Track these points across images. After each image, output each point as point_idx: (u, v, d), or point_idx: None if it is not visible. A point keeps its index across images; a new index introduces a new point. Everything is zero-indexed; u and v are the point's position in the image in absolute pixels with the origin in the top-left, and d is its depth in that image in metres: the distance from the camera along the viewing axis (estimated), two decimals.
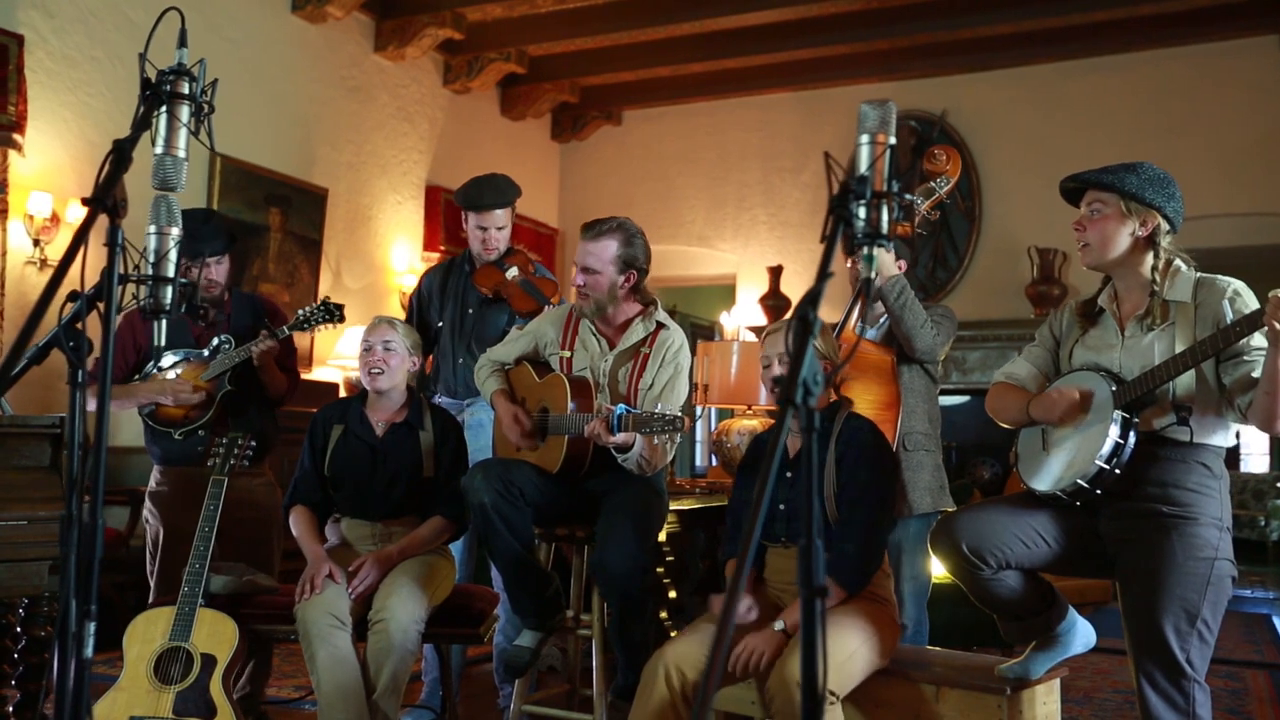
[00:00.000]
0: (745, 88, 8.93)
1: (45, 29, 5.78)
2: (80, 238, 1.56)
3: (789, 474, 2.91)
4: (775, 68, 8.60)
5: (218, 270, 3.73)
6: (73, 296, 1.78)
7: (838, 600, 2.76)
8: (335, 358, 7.21)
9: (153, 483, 3.80)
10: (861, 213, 1.53)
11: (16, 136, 5.51)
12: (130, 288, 1.89)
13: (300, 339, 7.15)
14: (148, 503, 3.80)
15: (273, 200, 7.04)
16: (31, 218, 5.57)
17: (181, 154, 1.89)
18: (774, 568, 2.94)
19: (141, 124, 1.75)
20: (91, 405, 3.69)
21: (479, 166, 4.27)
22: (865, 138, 1.57)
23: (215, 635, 3.11)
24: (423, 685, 3.96)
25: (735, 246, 9.30)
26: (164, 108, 1.84)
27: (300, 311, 3.73)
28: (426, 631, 3.19)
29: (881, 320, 3.81)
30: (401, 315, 4.61)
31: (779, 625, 2.72)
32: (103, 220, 1.72)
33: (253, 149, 6.91)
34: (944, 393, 8.59)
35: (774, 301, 8.73)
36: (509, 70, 8.44)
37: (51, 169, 5.71)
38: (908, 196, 3.71)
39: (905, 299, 3.47)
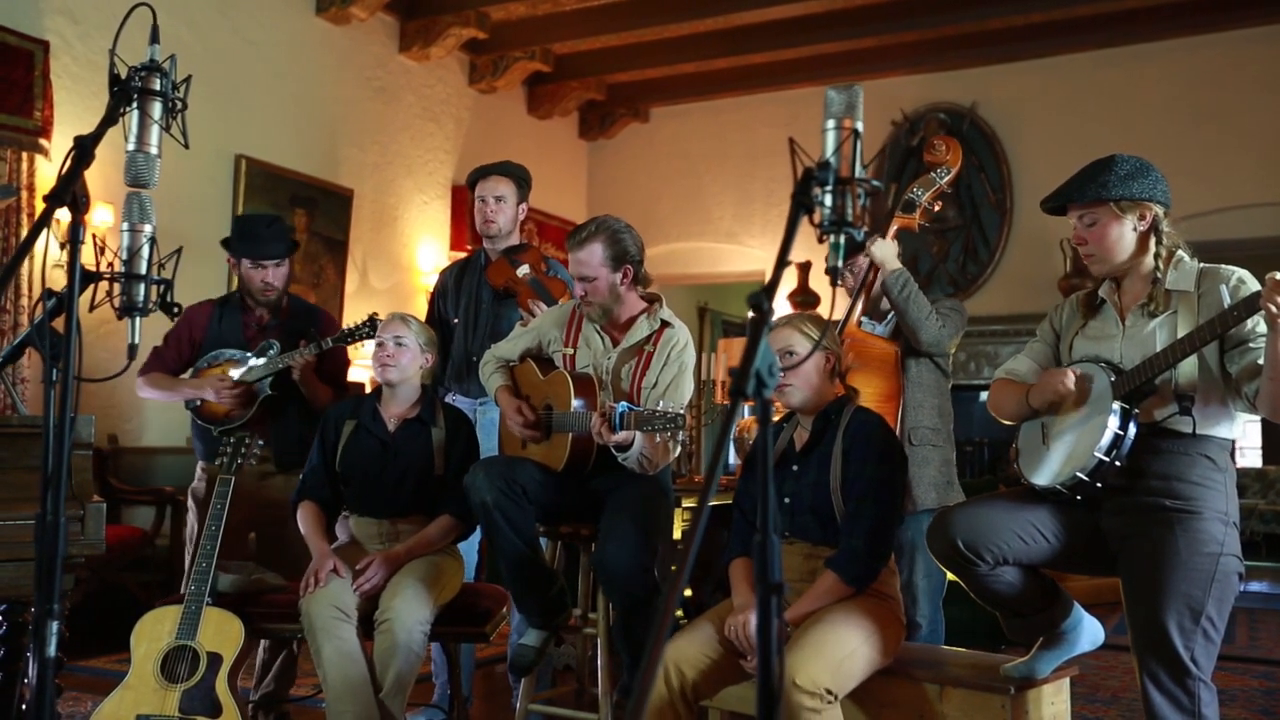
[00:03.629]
0: (772, 83, 8.87)
1: (70, 34, 5.84)
2: (36, 231, 1.56)
3: (794, 467, 2.87)
4: (802, 62, 8.52)
5: (274, 274, 3.79)
6: (47, 295, 1.77)
7: (842, 596, 2.71)
8: (362, 359, 7.24)
9: (195, 479, 3.86)
10: (827, 200, 1.49)
11: (43, 141, 5.59)
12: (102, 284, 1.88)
13: None
14: (189, 499, 3.87)
15: (298, 201, 7.08)
16: (58, 221, 5.63)
17: (154, 151, 1.88)
18: None
19: (107, 120, 1.74)
20: (146, 393, 3.79)
21: None
22: (831, 123, 1.53)
23: (221, 634, 3.12)
24: (434, 686, 3.95)
25: (764, 243, 9.25)
26: (135, 105, 1.83)
27: (346, 326, 3.75)
28: (432, 630, 3.18)
29: (889, 317, 3.76)
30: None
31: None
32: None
33: (278, 150, 6.96)
34: (975, 388, 8.53)
35: (803, 298, 8.66)
36: (534, 69, 8.45)
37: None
38: (915, 189, 3.66)
39: (909, 291, 3.43)
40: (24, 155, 5.56)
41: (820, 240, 1.57)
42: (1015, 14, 7.63)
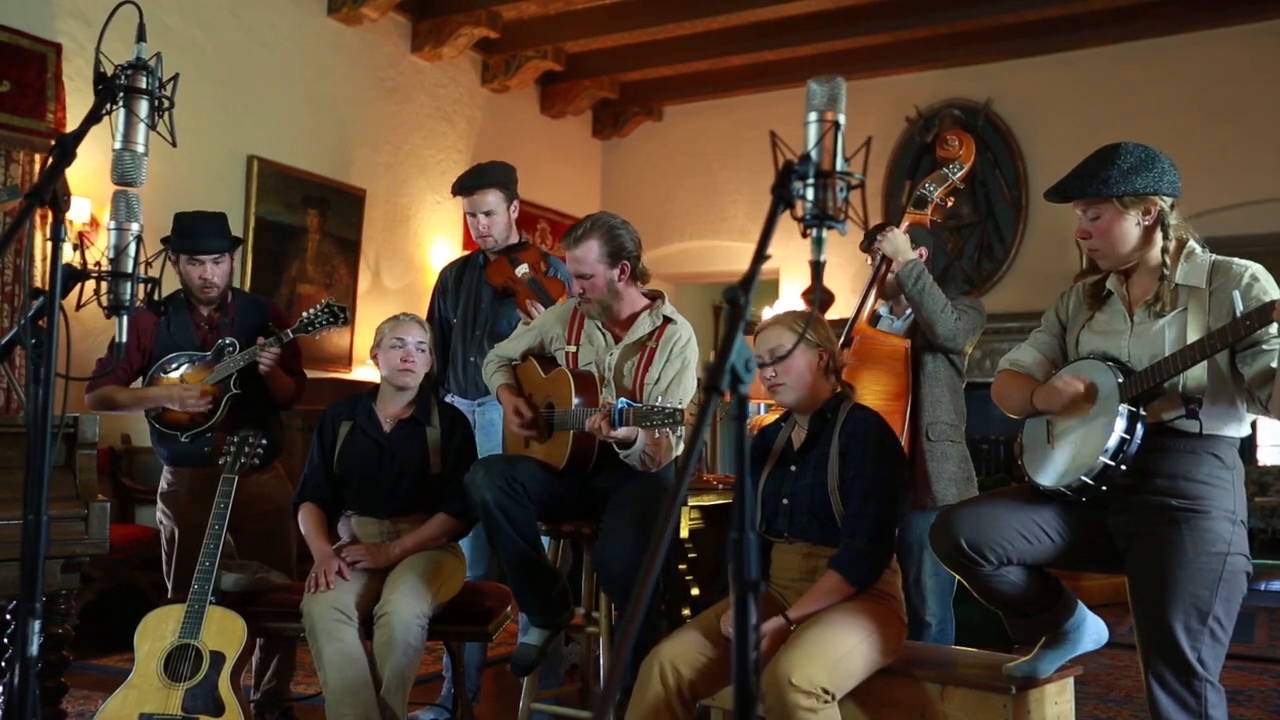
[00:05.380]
0: (786, 80, 8.81)
1: (83, 37, 5.87)
2: (14, 229, 1.56)
3: (793, 467, 2.84)
4: (816, 59, 8.47)
5: (213, 270, 3.69)
6: (34, 293, 1.77)
7: (845, 596, 2.69)
8: (361, 357, 7.25)
9: (164, 484, 3.80)
10: (809, 193, 1.48)
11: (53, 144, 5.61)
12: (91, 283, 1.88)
13: (339, 339, 7.26)
14: (160, 504, 3.79)
15: (310, 202, 7.10)
16: (71, 222, 5.67)
17: (140, 149, 1.87)
18: (779, 564, 2.87)
19: (91, 118, 1.74)
20: (99, 409, 3.71)
21: (519, 165, 4.25)
22: (813, 115, 1.51)
23: (224, 632, 3.13)
24: (443, 684, 3.95)
25: (778, 241, 8.91)
26: (121, 102, 1.82)
27: (304, 314, 3.68)
28: (434, 629, 3.18)
29: (908, 312, 3.73)
30: None
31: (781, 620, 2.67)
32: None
33: (290, 151, 6.98)
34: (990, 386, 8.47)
35: (817, 296, 8.61)
36: (547, 68, 8.44)
37: (90, 175, 5.80)
38: (927, 185, 3.63)
39: (922, 284, 3.40)
40: (37, 157, 5.59)
41: (804, 235, 1.55)
42: (1030, 8, 7.56)
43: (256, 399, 3.71)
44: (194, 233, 3.67)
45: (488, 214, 3.96)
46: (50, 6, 5.74)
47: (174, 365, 3.69)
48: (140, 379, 3.75)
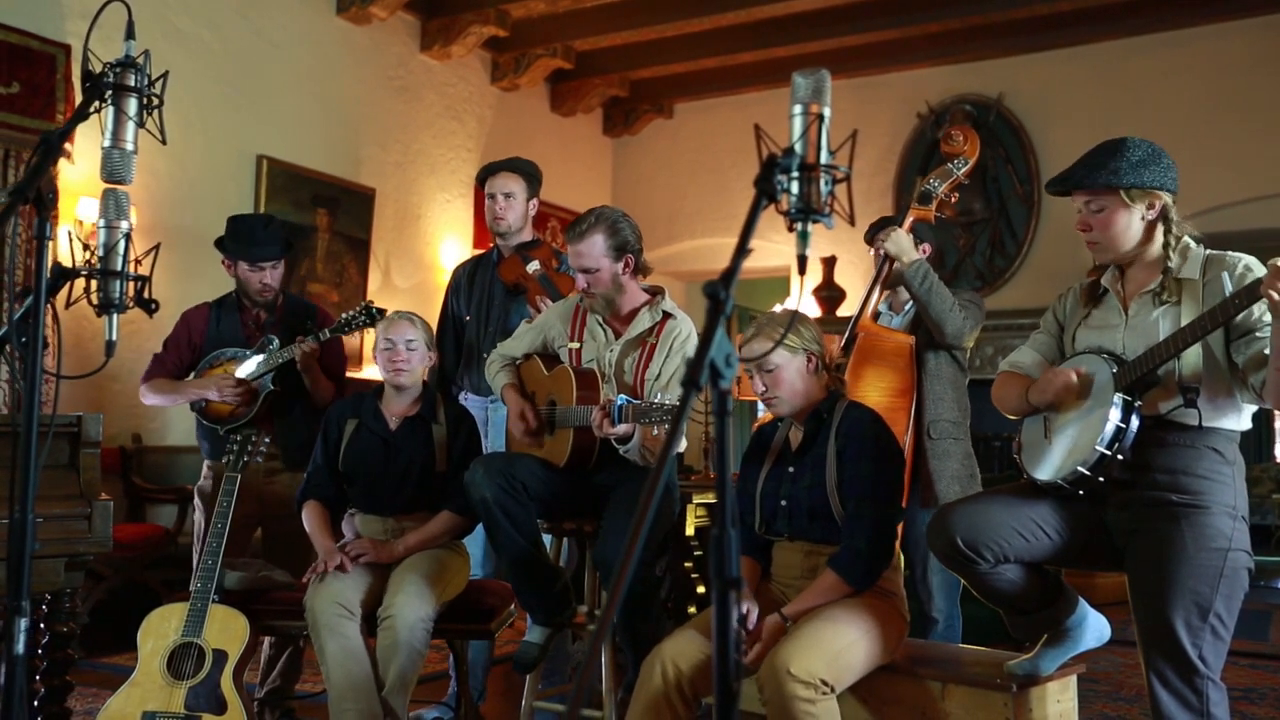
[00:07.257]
0: None
1: (92, 38, 5.88)
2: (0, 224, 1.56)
3: (790, 469, 2.83)
4: (826, 55, 8.43)
5: (272, 275, 3.82)
6: (25, 292, 1.77)
7: (843, 595, 2.67)
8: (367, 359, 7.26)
9: (201, 478, 3.89)
10: (793, 187, 1.46)
11: (65, 144, 5.63)
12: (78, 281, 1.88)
13: (350, 337, 7.26)
14: (195, 498, 3.89)
15: (320, 201, 7.11)
16: (81, 223, 5.69)
17: (129, 147, 1.87)
18: (779, 563, 2.86)
19: (78, 116, 1.74)
20: (150, 400, 3.83)
21: None
22: (798, 108, 1.50)
23: (226, 631, 3.13)
24: (449, 683, 3.94)
25: (789, 238, 8.97)
26: (110, 101, 1.82)
27: (343, 315, 3.77)
28: (436, 627, 3.17)
29: (906, 308, 3.71)
30: None
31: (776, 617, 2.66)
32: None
33: (299, 150, 6.99)
34: None
35: (828, 293, 8.60)
36: (556, 66, 8.44)
37: (99, 176, 5.83)
38: (932, 181, 3.61)
39: (929, 283, 3.38)
40: None
41: (790, 229, 1.54)
42: (1041, 3, 7.52)
43: (300, 400, 3.78)
44: (254, 240, 3.77)
45: (506, 196, 3.97)
46: (59, 8, 5.77)
47: (220, 360, 3.80)
48: (191, 374, 3.85)
